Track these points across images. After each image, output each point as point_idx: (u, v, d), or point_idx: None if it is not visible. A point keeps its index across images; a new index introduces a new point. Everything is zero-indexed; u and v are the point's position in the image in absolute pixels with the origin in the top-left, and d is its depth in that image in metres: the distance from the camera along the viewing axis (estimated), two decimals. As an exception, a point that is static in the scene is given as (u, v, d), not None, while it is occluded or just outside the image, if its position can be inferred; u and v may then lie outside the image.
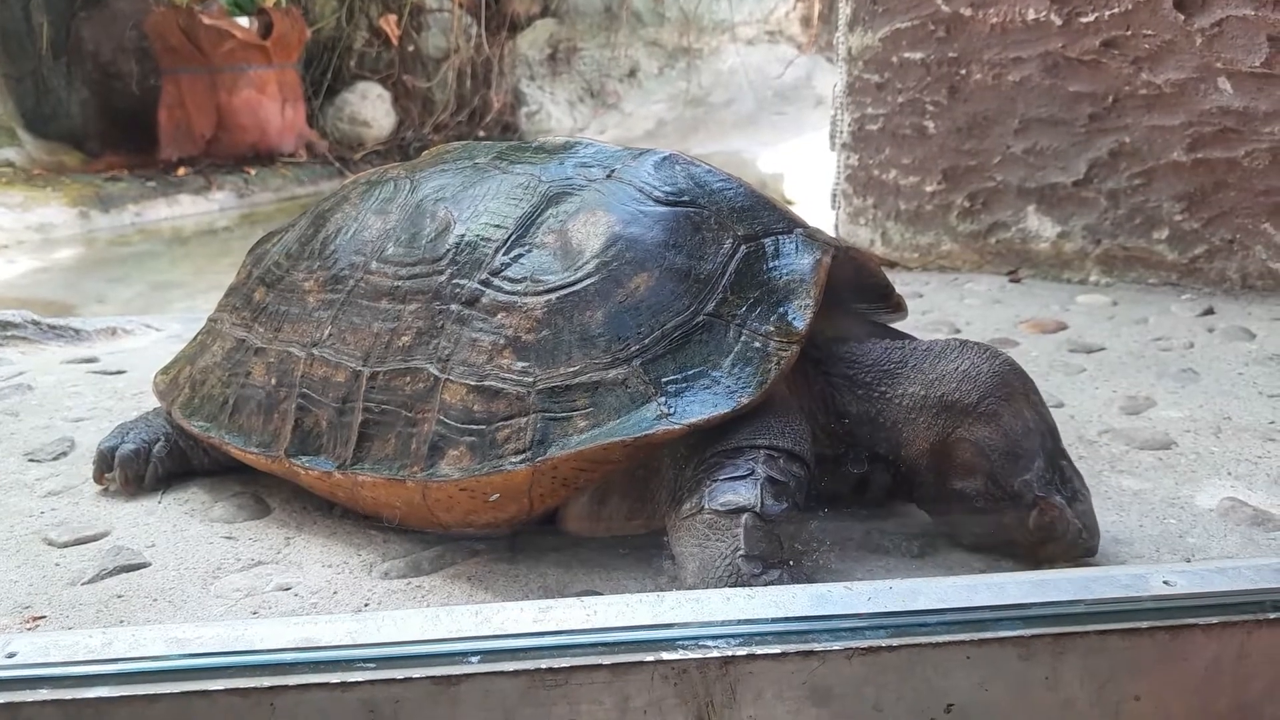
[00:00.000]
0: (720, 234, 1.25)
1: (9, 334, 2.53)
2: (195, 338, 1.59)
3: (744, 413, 1.11)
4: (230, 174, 6.69)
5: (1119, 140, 2.38)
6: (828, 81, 7.55)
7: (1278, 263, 2.27)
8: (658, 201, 1.27)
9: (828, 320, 1.27)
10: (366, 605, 1.15)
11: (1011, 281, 2.58)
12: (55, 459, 1.63)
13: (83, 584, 1.21)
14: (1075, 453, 1.50)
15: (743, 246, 1.24)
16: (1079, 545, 1.14)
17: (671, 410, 1.10)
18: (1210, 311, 2.21)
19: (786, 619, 0.92)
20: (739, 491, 1.05)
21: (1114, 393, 1.76)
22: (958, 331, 2.20)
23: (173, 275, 4.85)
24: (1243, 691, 0.95)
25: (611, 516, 1.20)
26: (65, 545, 1.31)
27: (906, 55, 2.65)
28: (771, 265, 1.23)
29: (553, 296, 1.20)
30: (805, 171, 6.00)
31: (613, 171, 1.33)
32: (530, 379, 1.17)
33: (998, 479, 1.16)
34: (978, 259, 2.68)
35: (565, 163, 1.37)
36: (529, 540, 1.26)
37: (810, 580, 1.10)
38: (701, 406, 1.11)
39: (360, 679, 0.88)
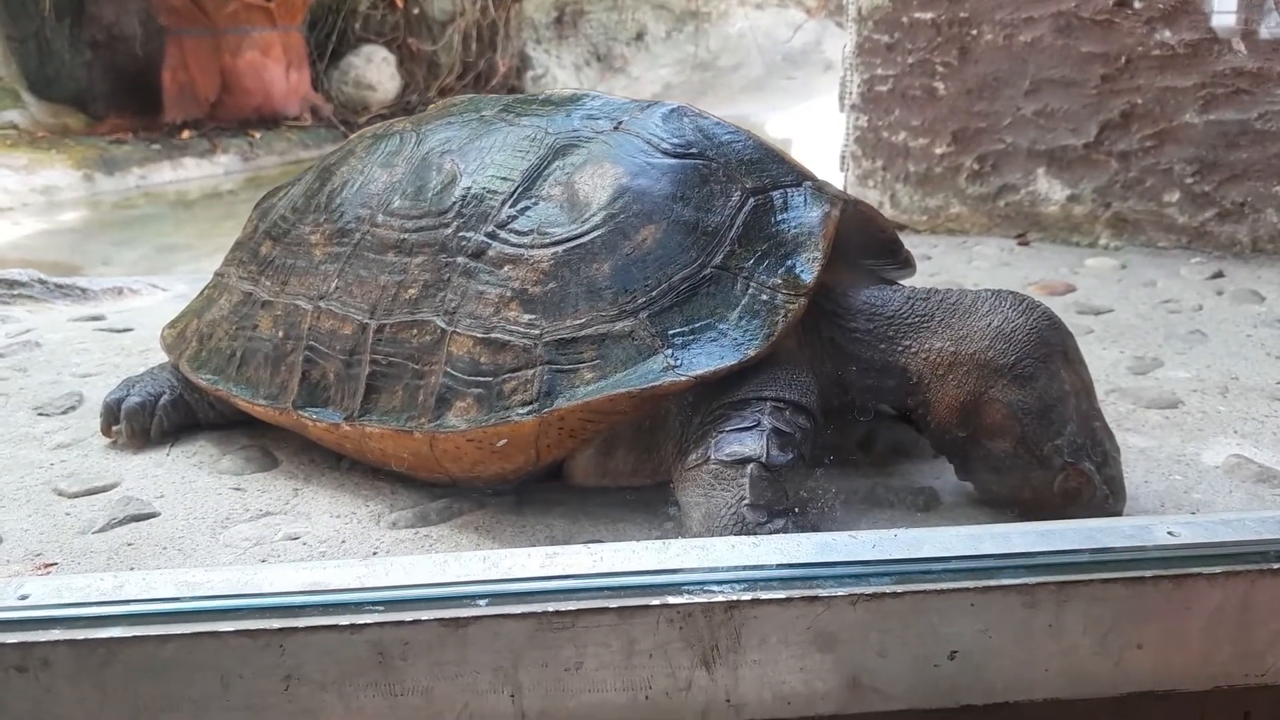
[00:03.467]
0: (728, 186, 1.24)
1: (16, 293, 2.54)
2: (202, 292, 1.59)
3: (750, 365, 1.11)
4: (234, 137, 6.67)
5: (1130, 101, 2.36)
6: (837, 46, 7.50)
7: (1288, 226, 2.25)
8: (665, 153, 1.26)
9: (837, 273, 1.27)
10: (375, 553, 1.16)
11: (1020, 245, 2.57)
12: (64, 413, 1.63)
13: (93, 533, 1.22)
14: (1081, 411, 1.50)
15: (750, 199, 1.23)
16: (1102, 510, 1.13)
17: (678, 362, 1.10)
18: (1220, 275, 2.20)
19: (791, 565, 0.93)
20: (745, 442, 1.06)
21: (1121, 353, 1.76)
22: (965, 293, 2.19)
23: (178, 238, 4.85)
24: (1246, 641, 0.95)
25: (618, 469, 1.20)
26: (75, 496, 1.32)
27: (917, 15, 2.62)
28: (779, 218, 1.23)
29: (559, 249, 1.20)
30: (814, 136, 5.96)
31: (620, 124, 1.32)
32: (537, 331, 1.17)
33: (1028, 443, 1.13)
34: (986, 222, 2.67)
35: (572, 115, 1.36)
36: (536, 492, 1.26)
37: (815, 530, 1.11)
38: (708, 358, 1.11)
39: (369, 621, 0.89)
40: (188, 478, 1.37)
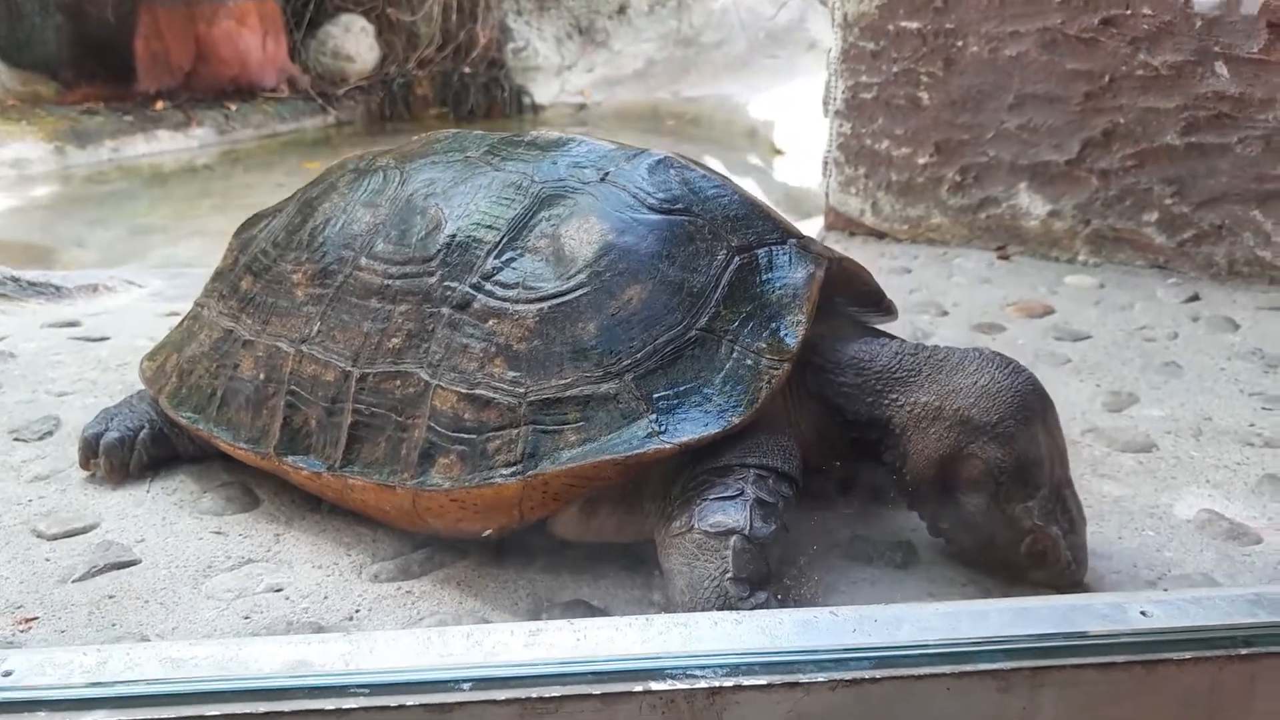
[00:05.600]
0: (714, 244, 1.24)
1: (-12, 292, 2.51)
2: (181, 323, 1.58)
3: (734, 432, 1.12)
4: (210, 109, 6.56)
5: (1113, 120, 2.37)
6: (821, 25, 7.44)
7: (1265, 250, 2.27)
8: (651, 209, 1.26)
9: (822, 326, 1.27)
10: (357, 612, 1.16)
11: (1000, 258, 2.58)
12: (41, 439, 1.62)
13: (73, 581, 1.22)
14: (1057, 454, 1.52)
15: (736, 258, 1.24)
16: (1065, 576, 1.16)
17: (663, 429, 1.11)
18: (1196, 298, 2.23)
19: (772, 651, 0.94)
20: (728, 512, 1.07)
21: (1098, 387, 1.78)
22: (945, 314, 2.21)
23: (152, 218, 4.78)
24: (1212, 720, 0.98)
25: (600, 527, 1.21)
26: (54, 538, 1.32)
27: (903, 24, 2.61)
28: (765, 278, 1.23)
29: (544, 305, 1.20)
30: (796, 120, 5.94)
31: (606, 174, 1.31)
32: (522, 389, 1.17)
33: (1001, 502, 1.15)
34: (967, 233, 2.68)
35: (558, 162, 1.35)
36: (517, 542, 1.27)
37: (797, 599, 1.12)
38: (693, 425, 1.11)
39: (354, 706, 0.89)
40: (168, 518, 1.37)
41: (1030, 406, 1.17)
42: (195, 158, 6.17)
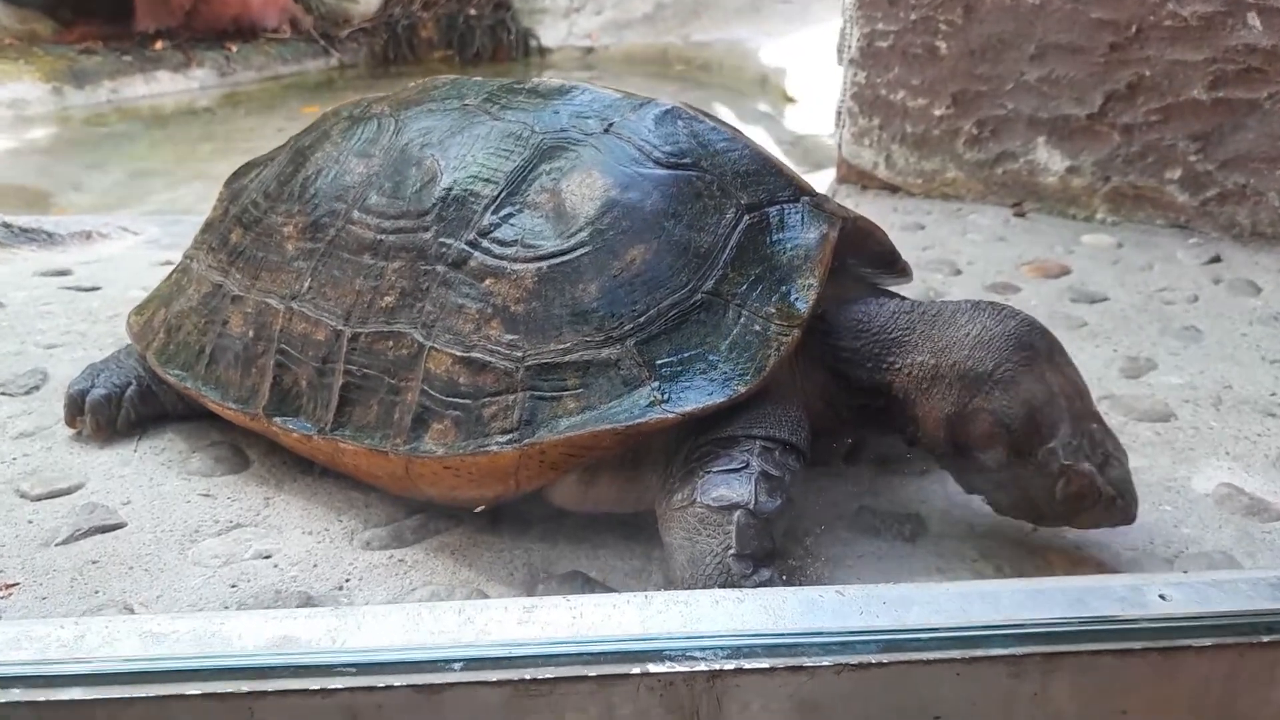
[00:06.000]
0: (723, 202, 1.18)
1: (-20, 237, 2.45)
2: (170, 275, 1.52)
3: (740, 402, 1.07)
4: (210, 50, 6.43)
5: (1138, 73, 2.28)
6: (835, -31, 7.24)
7: (1290, 210, 2.20)
8: (657, 163, 1.20)
9: (832, 285, 1.22)
10: (348, 581, 1.13)
11: (1016, 215, 2.51)
12: (28, 393, 1.58)
13: (56, 545, 1.19)
14: (1073, 423, 1.48)
15: (746, 216, 1.18)
16: (1115, 514, 1.09)
17: (665, 397, 1.06)
18: (1217, 259, 2.16)
19: (776, 633, 0.91)
20: (732, 486, 1.02)
21: (1115, 351, 1.72)
22: (959, 273, 2.14)
23: (152, 162, 4.70)
24: (1229, 708, 0.94)
25: (600, 496, 1.17)
26: (38, 499, 1.28)
27: (922, -31, 2.51)
28: (775, 238, 1.18)
29: (543, 265, 1.15)
30: (809, 67, 5.80)
31: (610, 125, 1.25)
32: (519, 353, 1.12)
33: (1021, 450, 1.09)
34: (983, 189, 2.61)
35: (560, 111, 1.29)
36: (514, 510, 1.23)
37: (802, 575, 1.08)
38: (697, 394, 1.07)
39: (340, 686, 0.86)
40: (155, 479, 1.33)
41: (1028, 346, 1.12)
42: (195, 100, 6.06)
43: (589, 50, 7.88)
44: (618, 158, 1.20)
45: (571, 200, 1.17)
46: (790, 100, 6.24)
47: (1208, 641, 0.91)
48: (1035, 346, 1.13)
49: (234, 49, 6.55)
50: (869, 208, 2.73)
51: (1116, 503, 1.08)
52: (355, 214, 1.28)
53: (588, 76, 7.78)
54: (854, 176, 2.86)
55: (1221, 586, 0.97)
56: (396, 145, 1.32)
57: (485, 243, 1.18)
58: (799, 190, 1.22)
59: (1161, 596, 0.95)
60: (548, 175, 1.20)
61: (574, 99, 1.31)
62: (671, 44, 7.76)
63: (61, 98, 5.55)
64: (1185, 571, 1.03)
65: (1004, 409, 1.10)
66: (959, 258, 2.23)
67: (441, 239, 1.20)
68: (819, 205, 1.21)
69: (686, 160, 1.21)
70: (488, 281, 1.16)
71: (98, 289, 2.11)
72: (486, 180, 1.22)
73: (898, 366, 1.17)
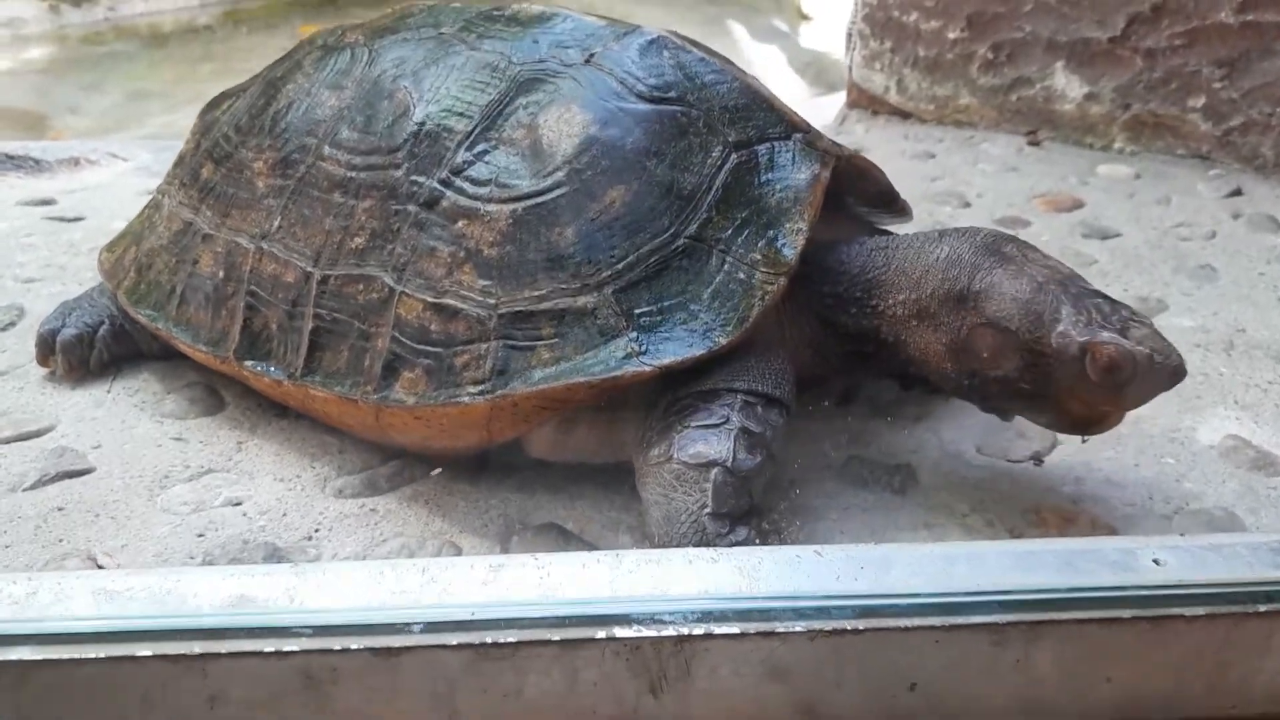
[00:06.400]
0: (709, 139, 1.12)
1: (-36, 164, 2.40)
2: (143, 211, 1.48)
3: (722, 354, 1.02)
4: (210, -35, 6.26)
5: (1163, -6, 2.17)
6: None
7: (1317, 141, 2.11)
8: (640, 97, 1.13)
9: (825, 228, 1.16)
10: (317, 531, 1.10)
11: (1030, 144, 2.42)
12: (3, 329, 1.55)
13: (23, 490, 1.16)
14: (1076, 368, 1.42)
15: (733, 155, 1.11)
16: (1158, 374, 0.97)
17: (643, 348, 1.02)
18: (1238, 193, 2.07)
19: (748, 596, 0.87)
20: (710, 442, 0.98)
21: (1125, 291, 1.66)
22: (967, 205, 2.07)
23: (150, 82, 4.60)
24: (1220, 677, 0.91)
25: (577, 446, 1.13)
26: (8, 441, 1.25)
27: (939, -119, 2.38)
28: (764, 179, 1.11)
29: (518, 206, 1.09)
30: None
31: (592, 56, 1.18)
32: (492, 301, 1.07)
33: (1032, 347, 1.02)
34: (996, 116, 2.51)
35: (539, 40, 1.21)
36: (492, 457, 1.19)
37: (782, 533, 1.05)
38: (676, 346, 1.02)
39: (295, 648, 0.84)
40: (128, 422, 1.30)
41: (996, 251, 1.08)
42: (195, 17, 5.92)
43: (599, -35, 7.66)
44: (598, 91, 1.13)
45: (548, 137, 1.11)
46: (805, 17, 6.05)
47: (1200, 610, 0.88)
48: (1003, 250, 1.08)
49: (234, -36, 6.37)
50: (879, 134, 2.65)
51: (1155, 360, 0.97)
52: (326, 149, 1.23)
53: (598, -7, 7.56)
54: (864, 101, 2.77)
55: (1220, 551, 0.93)
56: (369, 77, 1.26)
57: (458, 181, 1.12)
58: (791, 126, 1.15)
59: (1155, 561, 0.91)
60: (524, 110, 1.14)
61: (554, 27, 1.23)
62: (684, -42, 7.51)
63: (59, 16, 5.42)
64: (1182, 534, 0.99)
65: (996, 313, 1.04)
66: (969, 189, 2.15)
67: (413, 177, 1.15)
68: (811, 143, 1.15)
69: (671, 94, 1.14)
70: (460, 223, 1.11)
71: (81, 219, 2.06)
72: (460, 115, 1.16)
73: (880, 309, 1.12)
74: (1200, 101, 2.20)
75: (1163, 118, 2.26)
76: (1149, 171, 2.22)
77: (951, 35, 2.50)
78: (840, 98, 2.91)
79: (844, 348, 1.17)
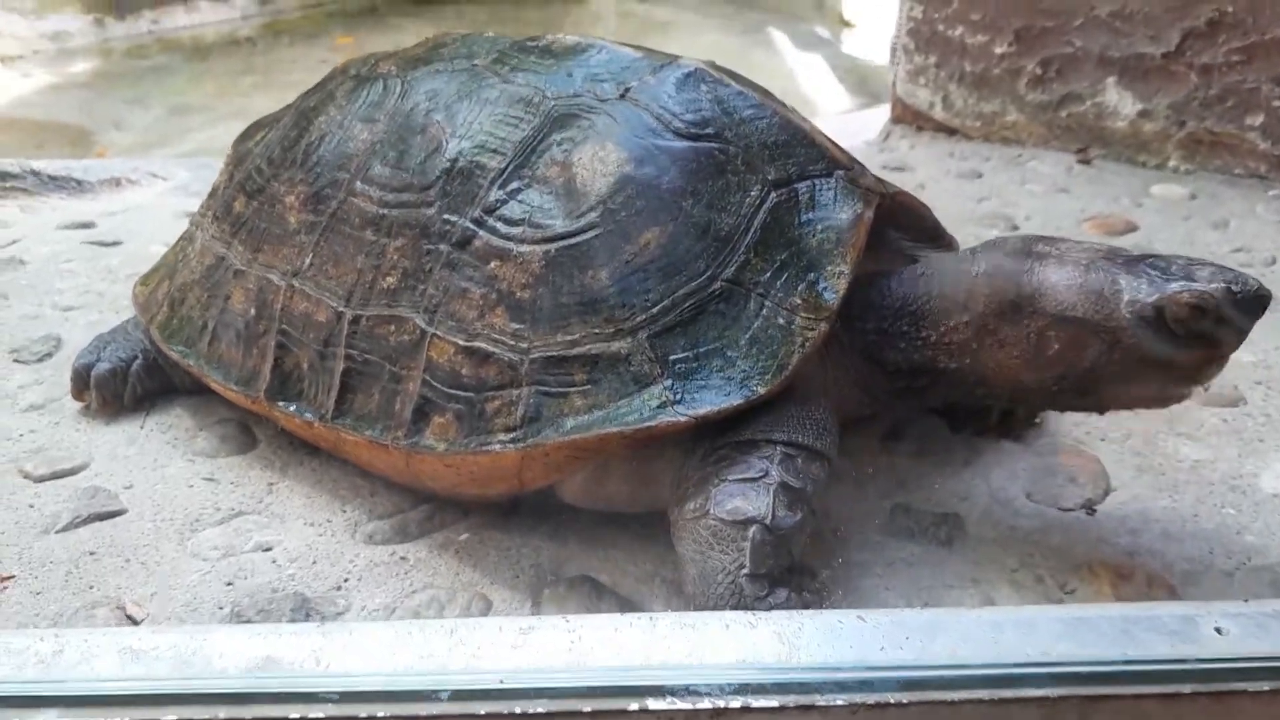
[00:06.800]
0: (747, 177, 1.08)
1: (8, 185, 2.43)
2: (176, 243, 1.47)
3: (760, 404, 0.99)
4: (253, -23, 6.33)
5: (1219, 9, 2.09)
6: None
7: (1383, 159, 2.03)
8: (677, 134, 1.10)
9: (869, 262, 1.12)
10: (346, 581, 1.08)
11: (1080, 162, 2.35)
12: (40, 360, 1.55)
13: (56, 532, 1.15)
14: (1131, 407, 1.37)
15: (772, 194, 1.08)
16: (1245, 302, 0.95)
17: (678, 397, 0.98)
18: (1299, 215, 2.00)
19: (788, 667, 0.84)
20: (748, 497, 0.94)
21: (1180, 322, 1.59)
22: (1015, 228, 2.01)
23: (192, 96, 4.66)
24: (1288, 755, 0.86)
25: (611, 496, 1.10)
26: (41, 479, 1.25)
27: (985, -108, 2.32)
28: (805, 218, 1.07)
29: (551, 247, 1.06)
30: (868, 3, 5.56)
31: (627, 90, 1.15)
32: (524, 345, 1.04)
33: (1105, 326, 0.97)
34: (1045, 133, 2.45)
35: (574, 74, 1.19)
36: (525, 500, 1.17)
37: (824, 591, 1.01)
38: (713, 394, 0.98)
39: (321, 715, 0.81)
40: (159, 460, 1.29)
41: (1030, 251, 1.05)
42: (237, 29, 5.99)
43: (639, -28, 7.63)
44: (634, 128, 1.10)
45: (582, 176, 1.08)
46: (847, 25, 6.00)
47: (1266, 686, 0.83)
48: (1036, 249, 1.05)
49: (277, -24, 6.44)
50: (924, 151, 2.59)
51: (1234, 290, 0.94)
52: (358, 185, 1.21)
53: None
54: (909, 117, 2.71)
55: (1287, 619, 0.88)
56: (402, 110, 1.24)
57: (491, 221, 1.10)
58: (833, 163, 1.12)
59: (1217, 630, 0.87)
60: (558, 146, 1.11)
61: (589, 59, 1.20)
62: (724, -34, 7.47)
63: (103, 29, 5.51)
64: (1245, 599, 0.94)
65: (1058, 308, 1.00)
66: (1017, 211, 2.10)
67: (445, 215, 1.12)
68: (854, 180, 1.11)
69: (709, 130, 1.10)
70: (493, 264, 1.08)
71: (119, 243, 2.07)
72: (494, 151, 1.13)
73: (933, 339, 1.08)
74: (1259, 119, 2.13)
75: (1220, 136, 2.19)
76: (1205, 192, 2.14)
77: (999, 50, 2.44)
78: (884, 110, 2.86)
79: (894, 384, 1.13)
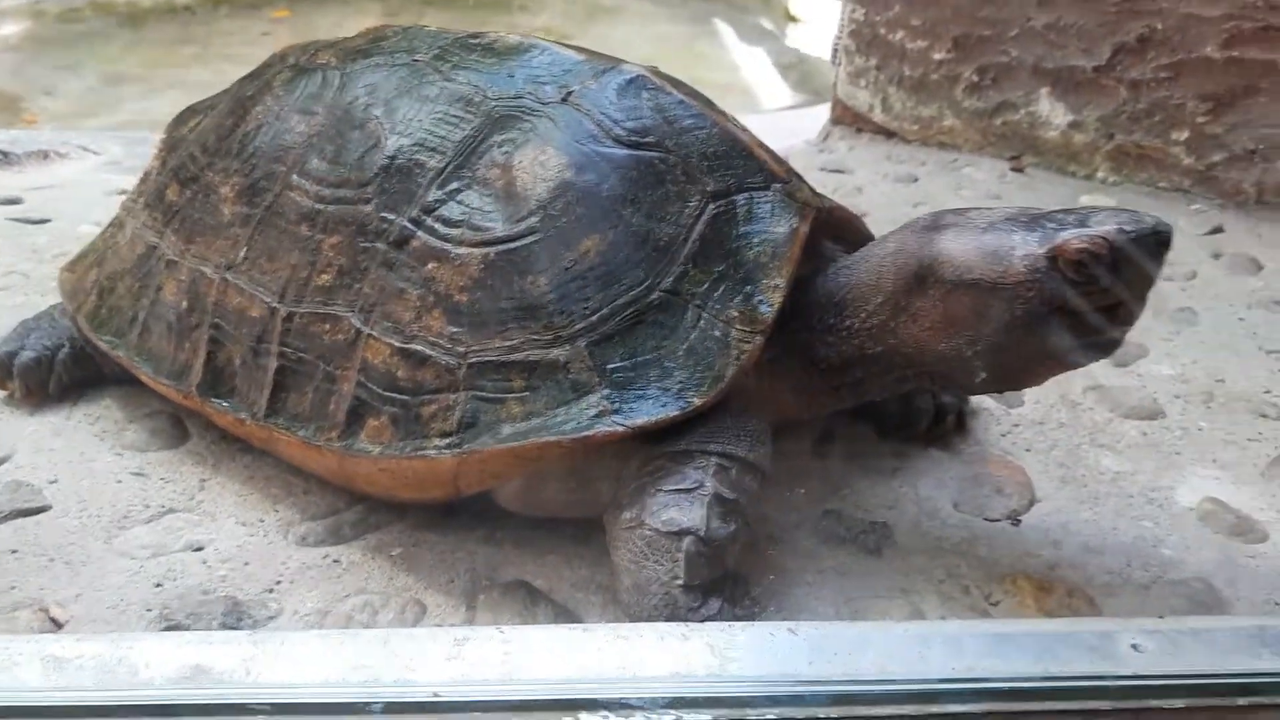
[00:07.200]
0: (687, 188, 1.09)
1: (-71, 157, 2.34)
2: (106, 229, 1.43)
3: (696, 415, 0.99)
4: (191, -57, 6.13)
5: (1150, 26, 2.15)
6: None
7: (1299, 178, 2.10)
8: (618, 141, 1.10)
9: (804, 270, 1.13)
10: (278, 584, 1.07)
11: (1013, 170, 2.40)
12: (-40, 346, 1.50)
13: (-26, 529, 1.12)
14: (1057, 417, 1.42)
15: (711, 205, 1.08)
16: (1141, 241, 0.94)
17: (615, 406, 0.99)
18: (1219, 230, 2.07)
19: (720, 678, 0.85)
20: (683, 508, 0.95)
21: (1105, 333, 1.64)
22: (949, 234, 2.05)
23: (126, 65, 4.51)
24: (1196, 765, 0.89)
25: (548, 502, 1.10)
26: (-40, 473, 1.21)
27: (930, -100, 2.35)
28: (742, 230, 1.08)
29: (490, 251, 1.06)
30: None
31: (569, 94, 1.14)
32: (462, 349, 1.04)
33: (1005, 284, 0.97)
34: (980, 139, 2.49)
35: (516, 75, 1.18)
36: (462, 504, 1.16)
37: (756, 599, 1.02)
38: (650, 405, 0.99)
39: (249, 728, 0.80)
40: (86, 454, 1.26)
41: (935, 224, 1.07)
42: (174, -2, 5.81)
43: (587, -44, 7.57)
44: (575, 133, 1.10)
45: (523, 180, 1.08)
46: (793, 19, 6.02)
47: (1180, 703, 0.86)
48: (941, 221, 1.07)
49: (215, -57, 6.25)
50: (863, 153, 2.63)
51: (1126, 230, 0.94)
52: (294, 178, 1.19)
53: (585, -16, 7.48)
54: (849, 118, 2.74)
55: (1198, 636, 0.91)
56: (340, 103, 1.22)
57: (429, 221, 1.09)
58: (771, 176, 1.13)
59: (1134, 646, 0.90)
60: (499, 148, 1.10)
61: (531, 60, 1.20)
62: (673, -47, 7.45)
63: (34, -8, 5.31)
64: (1161, 615, 0.97)
65: (956, 272, 1.00)
66: (951, 217, 2.13)
67: (383, 213, 1.11)
68: (790, 194, 1.12)
69: (649, 139, 1.11)
70: (430, 265, 1.07)
71: (47, 220, 2.01)
72: (433, 150, 1.12)
73: (855, 327, 1.08)
74: (1184, 135, 2.19)
75: (1146, 149, 2.25)
76: (1131, 203, 2.20)
77: (937, 56, 2.48)
78: (825, 109, 2.88)
79: (830, 382, 1.14)
